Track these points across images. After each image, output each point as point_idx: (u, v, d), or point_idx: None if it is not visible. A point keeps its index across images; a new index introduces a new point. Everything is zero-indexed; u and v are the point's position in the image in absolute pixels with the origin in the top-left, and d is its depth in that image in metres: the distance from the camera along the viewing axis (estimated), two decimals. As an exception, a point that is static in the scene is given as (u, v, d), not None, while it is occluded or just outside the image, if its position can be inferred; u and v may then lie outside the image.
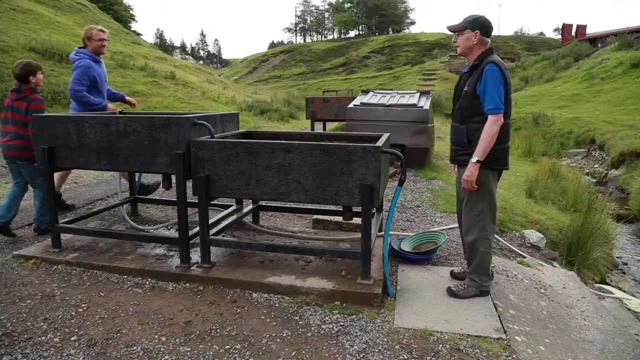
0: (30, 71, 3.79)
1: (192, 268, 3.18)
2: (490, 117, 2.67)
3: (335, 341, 2.44)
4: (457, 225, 4.41)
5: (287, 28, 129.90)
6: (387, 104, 7.18)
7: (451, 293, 2.97)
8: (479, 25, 2.75)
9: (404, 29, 78.89)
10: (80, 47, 4.45)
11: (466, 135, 2.83)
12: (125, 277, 3.16)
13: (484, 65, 2.71)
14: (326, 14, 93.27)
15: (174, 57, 36.18)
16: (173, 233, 3.85)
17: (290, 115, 17.03)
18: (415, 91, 8.01)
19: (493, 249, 3.12)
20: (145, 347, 2.37)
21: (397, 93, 7.87)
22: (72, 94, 4.30)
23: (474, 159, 2.74)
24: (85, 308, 2.74)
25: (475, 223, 2.90)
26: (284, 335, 2.49)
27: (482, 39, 2.76)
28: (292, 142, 2.89)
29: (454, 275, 3.26)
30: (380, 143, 2.84)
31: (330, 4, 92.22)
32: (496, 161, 2.80)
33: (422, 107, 7.02)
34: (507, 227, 5.02)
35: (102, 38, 4.41)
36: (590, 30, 36.93)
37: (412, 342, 2.44)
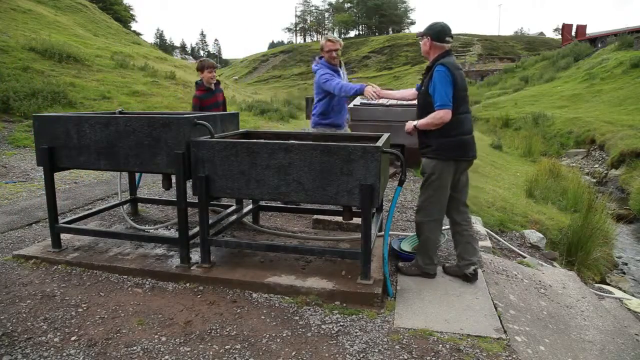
0: (199, 67, 4.49)
1: (192, 268, 3.18)
2: (438, 111, 2.95)
3: (335, 341, 2.44)
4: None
5: (287, 28, 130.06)
6: (387, 104, 7.18)
7: (397, 268, 3.31)
8: (430, 31, 3.04)
9: (404, 29, 78.93)
10: (320, 57, 4.36)
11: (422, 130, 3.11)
12: (125, 277, 3.16)
13: (434, 67, 2.97)
14: (326, 14, 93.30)
15: (174, 57, 36.19)
16: (173, 233, 3.85)
17: (290, 115, 17.03)
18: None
19: (473, 244, 3.26)
20: (145, 347, 2.37)
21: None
22: (334, 91, 4.02)
23: (414, 123, 3.10)
24: (85, 308, 2.74)
25: (423, 206, 3.15)
26: (284, 335, 2.49)
27: (434, 44, 3.03)
28: (292, 142, 2.89)
29: (445, 269, 3.32)
30: (380, 143, 2.84)
31: (330, 4, 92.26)
32: (448, 152, 3.01)
33: (422, 107, 7.00)
34: (507, 227, 5.02)
35: (330, 49, 4.13)
36: (590, 30, 36.93)
37: (412, 342, 2.44)
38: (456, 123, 2.99)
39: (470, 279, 3.14)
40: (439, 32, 3.00)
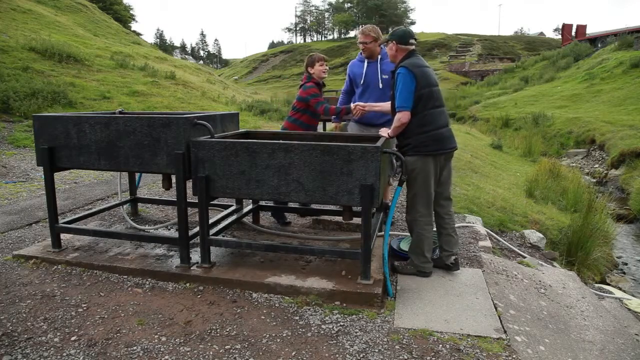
0: (309, 63, 4.15)
1: (192, 268, 3.18)
2: (397, 114, 3.09)
3: (335, 341, 2.44)
4: (457, 224, 4.41)
5: (287, 28, 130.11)
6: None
7: (393, 268, 3.33)
8: (394, 36, 3.19)
9: (404, 29, 78.73)
10: None
11: None
12: (125, 277, 3.16)
13: (396, 69, 3.12)
14: (326, 14, 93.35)
15: (174, 57, 36.17)
16: (173, 233, 3.85)
17: (290, 115, 16.97)
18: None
19: (454, 236, 3.32)
20: (145, 347, 2.37)
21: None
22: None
23: (388, 132, 3.22)
24: (85, 308, 2.74)
25: (411, 205, 3.22)
26: (284, 335, 2.49)
27: (399, 47, 3.17)
28: (292, 142, 2.89)
29: (446, 266, 3.32)
30: (380, 143, 2.84)
31: (330, 4, 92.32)
32: (426, 147, 3.08)
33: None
34: (507, 227, 5.02)
35: (360, 42, 4.01)
36: (590, 30, 36.96)
37: (412, 342, 2.44)
38: (429, 118, 3.08)
39: (451, 268, 3.30)
40: (402, 36, 3.16)
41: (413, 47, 3.18)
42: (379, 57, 4.03)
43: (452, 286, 3.11)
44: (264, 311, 2.74)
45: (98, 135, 3.18)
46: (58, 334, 2.47)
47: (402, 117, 3.06)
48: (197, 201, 3.11)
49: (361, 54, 4.13)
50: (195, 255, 3.30)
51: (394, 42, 3.18)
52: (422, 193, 3.15)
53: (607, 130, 13.19)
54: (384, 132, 3.28)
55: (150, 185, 6.15)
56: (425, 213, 3.18)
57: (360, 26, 4.27)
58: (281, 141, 2.90)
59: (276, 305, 2.81)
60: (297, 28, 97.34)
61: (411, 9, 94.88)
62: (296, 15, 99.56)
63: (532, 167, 9.95)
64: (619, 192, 9.75)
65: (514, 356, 2.35)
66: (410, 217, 3.24)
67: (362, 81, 4.04)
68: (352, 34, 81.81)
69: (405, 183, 3.03)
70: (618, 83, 18.83)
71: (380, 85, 4.00)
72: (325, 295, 2.87)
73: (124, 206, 4.39)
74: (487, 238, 4.21)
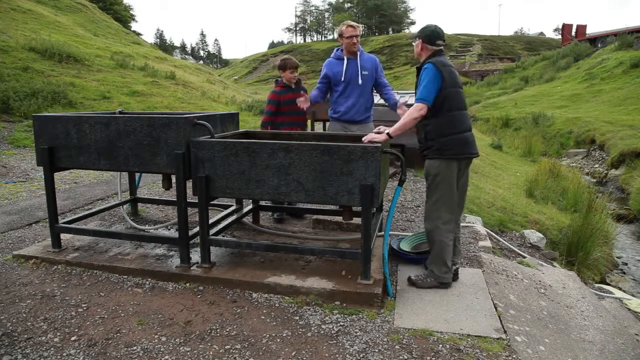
0: (282, 66, 4.32)
1: (192, 268, 3.18)
2: (416, 105, 2.92)
3: (335, 341, 2.44)
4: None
5: (287, 28, 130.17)
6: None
7: (410, 282, 3.12)
8: (421, 34, 3.09)
9: (404, 29, 78.97)
10: (337, 47, 4.28)
11: (423, 132, 3.05)
12: (125, 277, 3.16)
13: (422, 66, 3.02)
14: (326, 14, 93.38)
15: (174, 57, 36.16)
16: (173, 233, 3.85)
17: (290, 115, 16.95)
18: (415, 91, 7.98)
19: (457, 245, 3.21)
20: (145, 347, 2.37)
21: (397, 93, 7.86)
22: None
23: (387, 131, 3.00)
24: (85, 308, 2.74)
25: (432, 212, 3.05)
26: (284, 335, 2.49)
27: (425, 45, 3.07)
28: (292, 142, 2.89)
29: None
30: (380, 143, 2.84)
31: (330, 4, 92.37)
32: (450, 151, 2.95)
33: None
34: (507, 227, 5.02)
35: (351, 35, 3.96)
36: (590, 30, 36.98)
37: (412, 342, 2.44)
38: (453, 120, 2.96)
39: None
40: (430, 36, 3.04)
41: (440, 48, 3.06)
42: (358, 53, 4.05)
43: (452, 286, 3.11)
44: (264, 311, 2.74)
45: (98, 135, 3.18)
46: (58, 334, 2.47)
47: (422, 109, 2.88)
48: (197, 201, 3.11)
49: (340, 51, 4.12)
50: (195, 255, 3.30)
51: (420, 39, 3.08)
52: (446, 198, 2.98)
53: (607, 130, 13.20)
54: (381, 136, 3.09)
55: (150, 185, 6.15)
56: (448, 219, 3.01)
57: (343, 22, 4.23)
58: (281, 141, 2.90)
59: (276, 305, 2.81)
60: (297, 28, 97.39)
61: (411, 9, 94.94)
62: (296, 15, 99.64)
63: (532, 167, 9.96)
64: (619, 192, 9.76)
65: (514, 356, 2.35)
66: (431, 226, 3.03)
67: (342, 79, 4.04)
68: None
69: (404, 184, 3.00)
70: (618, 83, 18.85)
71: (360, 82, 4.01)
72: (325, 295, 2.87)
73: (124, 206, 4.39)
74: (487, 238, 4.21)
